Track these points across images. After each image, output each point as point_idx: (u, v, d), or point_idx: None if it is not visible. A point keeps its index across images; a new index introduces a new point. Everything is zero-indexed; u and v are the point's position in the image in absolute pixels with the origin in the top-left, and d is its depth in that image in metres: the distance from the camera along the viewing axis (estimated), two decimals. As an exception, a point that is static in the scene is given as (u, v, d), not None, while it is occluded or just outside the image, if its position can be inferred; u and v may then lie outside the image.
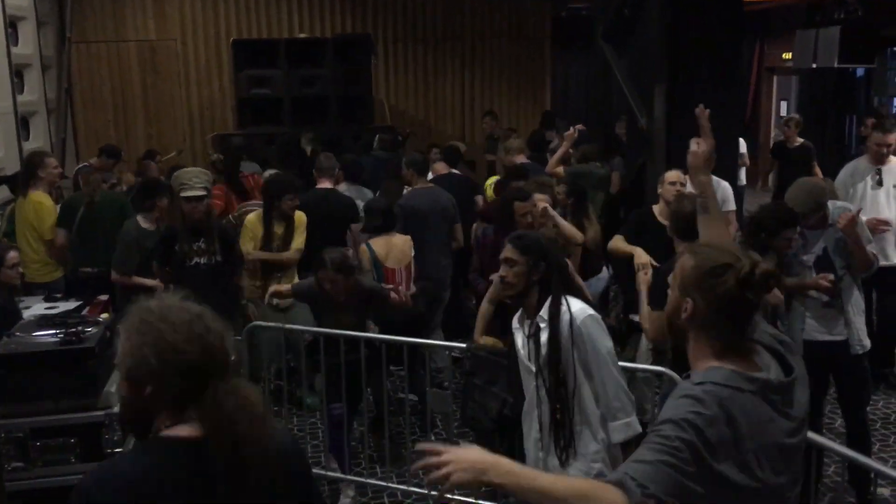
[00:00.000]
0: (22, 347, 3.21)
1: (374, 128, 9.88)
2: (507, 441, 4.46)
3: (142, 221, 5.68)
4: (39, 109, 9.09)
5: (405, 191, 6.51)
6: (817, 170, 8.43)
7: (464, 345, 4.55)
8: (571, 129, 6.61)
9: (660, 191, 5.33)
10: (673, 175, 5.40)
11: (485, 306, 4.55)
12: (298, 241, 5.67)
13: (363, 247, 5.45)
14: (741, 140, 9.52)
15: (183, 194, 4.97)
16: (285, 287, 5.16)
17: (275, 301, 5.50)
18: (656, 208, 5.19)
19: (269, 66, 10.06)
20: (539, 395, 3.27)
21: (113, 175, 7.65)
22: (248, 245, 5.60)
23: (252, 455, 1.61)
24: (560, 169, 6.53)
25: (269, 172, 7.15)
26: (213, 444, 1.60)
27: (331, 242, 5.71)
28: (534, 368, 3.25)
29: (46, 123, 9.23)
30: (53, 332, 3.28)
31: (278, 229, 5.59)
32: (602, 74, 8.71)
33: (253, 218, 5.69)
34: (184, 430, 1.64)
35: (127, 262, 5.52)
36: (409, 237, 5.63)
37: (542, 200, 5.06)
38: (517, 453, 4.45)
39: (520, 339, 3.40)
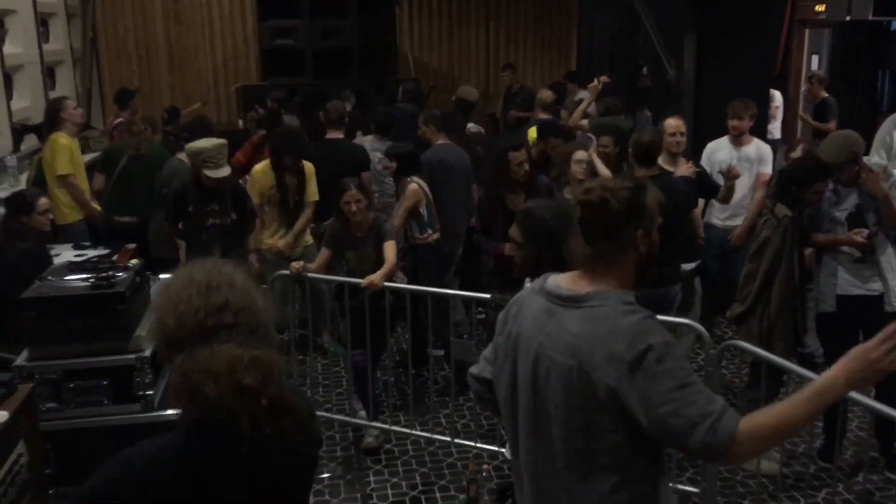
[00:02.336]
0: (54, 291, 3.26)
1: (397, 80, 9.80)
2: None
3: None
4: (65, 59, 9.10)
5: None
6: (831, 125, 8.27)
7: (487, 295, 4.56)
8: (595, 80, 6.51)
9: (662, 138, 5.33)
10: (673, 125, 5.33)
11: None
12: (311, 190, 5.73)
13: (416, 186, 5.35)
14: (777, 93, 9.37)
15: (208, 173, 4.89)
16: (313, 265, 5.07)
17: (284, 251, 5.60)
18: (660, 158, 5.25)
19: (292, 17, 9.98)
20: None
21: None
22: (256, 198, 5.62)
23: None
24: (585, 122, 6.46)
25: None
26: None
27: None
28: None
29: (72, 73, 9.24)
30: (85, 276, 3.33)
31: (290, 179, 5.60)
32: (629, 25, 8.55)
33: (259, 170, 5.69)
34: None
35: None
36: None
37: (581, 160, 5.13)
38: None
39: None
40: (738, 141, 5.77)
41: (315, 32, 9.98)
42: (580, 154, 5.28)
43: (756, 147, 5.77)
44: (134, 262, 3.56)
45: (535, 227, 3.19)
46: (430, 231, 5.46)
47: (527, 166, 4.97)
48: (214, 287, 1.65)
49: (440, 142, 6.06)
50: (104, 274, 3.32)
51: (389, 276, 4.69)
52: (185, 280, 1.67)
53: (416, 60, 11.06)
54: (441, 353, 5.41)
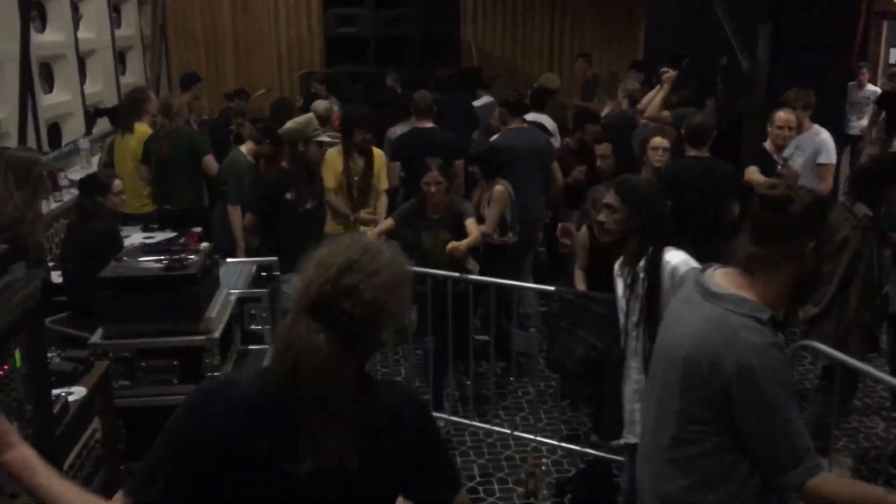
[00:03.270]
0: (129, 272, 3.31)
1: (460, 69, 9.77)
2: (594, 385, 4.45)
3: (247, 153, 5.80)
4: (135, 45, 9.30)
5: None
6: None
7: (552, 288, 4.51)
8: (669, 70, 6.35)
9: (769, 129, 5.30)
10: (782, 118, 5.27)
11: (577, 273, 4.52)
12: (382, 178, 5.70)
13: (502, 188, 5.32)
14: (876, 87, 9.11)
15: (320, 139, 4.90)
16: (381, 226, 5.12)
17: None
18: (767, 145, 5.39)
19: (356, 5, 10.02)
20: (637, 346, 3.24)
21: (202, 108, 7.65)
22: (330, 180, 5.60)
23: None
24: (666, 113, 6.32)
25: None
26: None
27: None
28: (634, 318, 3.22)
29: (142, 59, 9.44)
30: (158, 258, 3.38)
31: (358, 161, 5.57)
32: (700, 16, 8.34)
33: (333, 153, 5.65)
34: None
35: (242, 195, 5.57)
36: None
37: (658, 147, 5.08)
38: (604, 398, 4.45)
39: (620, 288, 3.36)
40: (799, 129, 5.71)
41: (378, 20, 10.01)
42: (657, 140, 5.19)
43: (812, 136, 5.66)
44: (204, 245, 3.60)
45: (630, 192, 3.25)
46: (509, 234, 5.41)
47: (609, 161, 4.98)
48: (353, 269, 1.63)
49: (510, 126, 5.99)
50: (177, 256, 3.37)
51: (473, 246, 4.68)
52: (337, 249, 1.67)
53: (479, 49, 11.00)
54: (485, 338, 5.36)
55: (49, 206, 6.15)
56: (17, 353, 2.16)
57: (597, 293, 4.32)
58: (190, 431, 1.66)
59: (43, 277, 4.23)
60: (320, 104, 6.96)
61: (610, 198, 3.29)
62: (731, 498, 2.08)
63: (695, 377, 2.04)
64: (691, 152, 5.09)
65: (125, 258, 3.43)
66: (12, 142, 6.34)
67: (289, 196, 4.87)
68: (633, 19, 11.48)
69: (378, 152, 5.72)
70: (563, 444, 4.54)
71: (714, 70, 8.14)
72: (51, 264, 5.32)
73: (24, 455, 1.67)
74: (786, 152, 5.61)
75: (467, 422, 4.86)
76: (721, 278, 2.12)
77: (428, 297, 4.64)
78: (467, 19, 11.01)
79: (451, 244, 4.67)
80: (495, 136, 6.21)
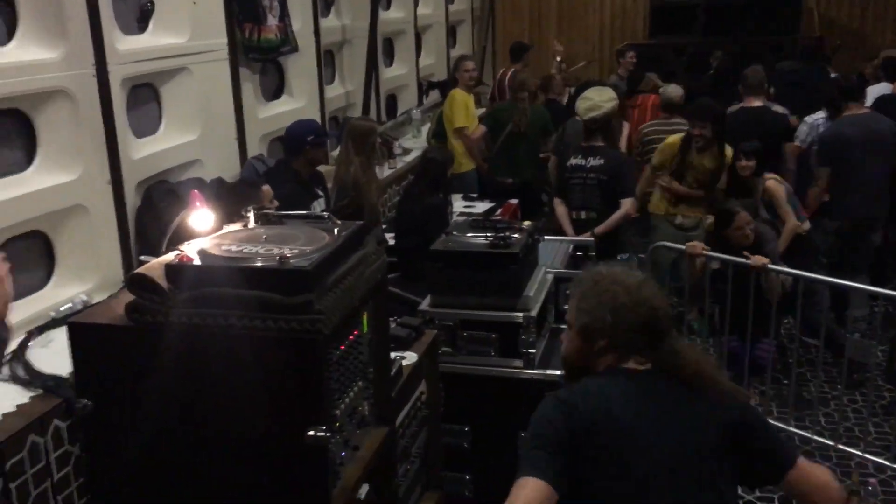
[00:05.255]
0: (457, 246, 3.51)
1: (797, 38, 8.97)
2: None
3: None
4: (465, 18, 9.77)
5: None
6: None
7: (894, 292, 4.03)
8: None
9: None
10: None
11: None
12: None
13: (774, 182, 5.08)
14: None
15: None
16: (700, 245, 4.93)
17: (678, 220, 5.44)
18: None
19: (688, -29, 9.60)
20: None
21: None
22: (655, 158, 5.52)
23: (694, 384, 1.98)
24: None
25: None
26: (667, 374, 2.00)
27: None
28: None
29: (470, 32, 9.90)
30: (484, 234, 3.54)
31: (699, 161, 5.32)
32: None
33: (675, 140, 5.50)
34: (632, 365, 2.04)
35: None
36: None
37: None
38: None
39: None
40: None
41: (710, -13, 9.50)
42: None
43: None
44: (527, 224, 3.70)
45: None
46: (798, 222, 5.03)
47: None
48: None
49: (847, 113, 5.40)
50: (502, 234, 3.50)
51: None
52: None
53: (822, 16, 9.96)
54: (812, 341, 4.94)
55: (383, 172, 6.73)
56: (365, 320, 2.37)
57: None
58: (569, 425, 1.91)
59: (380, 239, 4.65)
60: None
61: None
62: None
63: None
64: None
65: (455, 232, 3.64)
66: (356, 111, 6.99)
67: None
68: None
69: (730, 152, 5.38)
70: (894, 465, 4.08)
71: None
72: (384, 226, 5.83)
73: None
74: None
75: (783, 426, 4.53)
76: None
77: (750, 292, 4.38)
78: (811, -18, 10.03)
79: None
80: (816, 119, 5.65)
